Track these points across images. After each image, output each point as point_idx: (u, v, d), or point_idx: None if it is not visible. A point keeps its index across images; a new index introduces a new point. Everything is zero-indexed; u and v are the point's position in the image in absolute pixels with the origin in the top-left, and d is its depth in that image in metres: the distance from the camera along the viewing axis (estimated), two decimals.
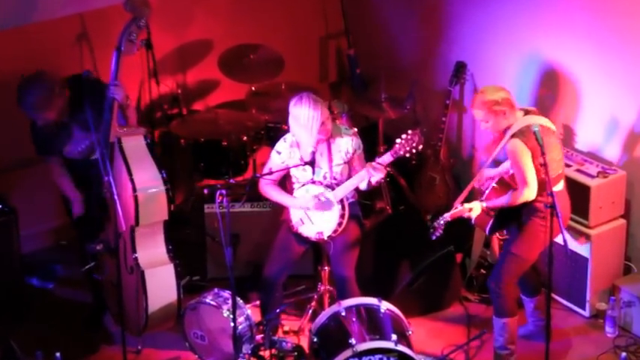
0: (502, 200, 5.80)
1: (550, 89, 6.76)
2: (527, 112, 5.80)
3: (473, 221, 6.01)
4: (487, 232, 6.05)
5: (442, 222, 5.92)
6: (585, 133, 6.67)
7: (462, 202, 5.91)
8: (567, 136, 6.72)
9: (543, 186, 5.68)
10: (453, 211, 5.91)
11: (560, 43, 6.64)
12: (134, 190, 5.87)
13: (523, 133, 5.65)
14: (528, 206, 5.79)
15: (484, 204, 5.86)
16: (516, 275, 5.96)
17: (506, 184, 5.90)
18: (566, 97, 6.69)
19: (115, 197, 5.59)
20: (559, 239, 5.67)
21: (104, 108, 5.89)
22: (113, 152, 5.95)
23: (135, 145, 5.98)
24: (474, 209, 5.85)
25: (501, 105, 5.69)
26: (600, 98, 6.53)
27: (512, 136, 5.67)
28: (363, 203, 6.42)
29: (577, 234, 6.37)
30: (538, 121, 5.74)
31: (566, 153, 6.53)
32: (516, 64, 6.91)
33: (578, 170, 6.42)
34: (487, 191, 5.94)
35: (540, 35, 6.74)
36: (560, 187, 5.84)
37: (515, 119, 5.73)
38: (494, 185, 5.93)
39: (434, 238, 5.97)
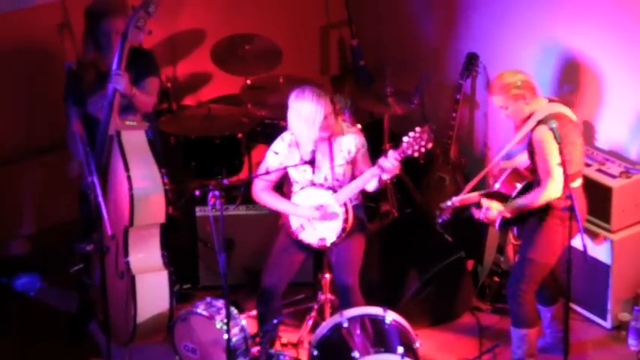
0: (523, 201, 5.78)
1: (569, 83, 6.76)
2: (550, 101, 5.82)
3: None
4: (497, 227, 6.03)
5: (450, 204, 5.90)
6: (607, 130, 6.68)
7: (481, 195, 5.89)
8: (588, 134, 6.71)
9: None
10: (462, 197, 5.88)
11: (580, 32, 6.64)
12: (130, 187, 5.89)
13: (551, 120, 5.62)
14: (544, 207, 5.79)
15: (502, 208, 5.80)
16: (536, 282, 5.96)
17: (521, 176, 5.91)
18: (587, 91, 6.70)
19: (100, 199, 5.59)
20: (577, 242, 5.66)
21: (107, 94, 5.93)
22: (111, 146, 5.97)
23: (135, 139, 6.01)
24: (491, 210, 5.80)
25: (521, 88, 5.71)
26: (624, 93, 6.54)
27: (539, 122, 5.68)
28: (367, 206, 6.41)
29: (594, 235, 6.37)
30: (562, 110, 5.75)
31: (586, 151, 6.53)
32: (533, 55, 6.91)
33: (599, 170, 6.43)
34: (499, 182, 5.94)
35: (559, 24, 6.75)
36: (577, 184, 5.84)
37: (538, 105, 5.76)
38: (507, 176, 5.94)
39: (440, 221, 5.98)
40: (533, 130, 5.71)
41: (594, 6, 6.55)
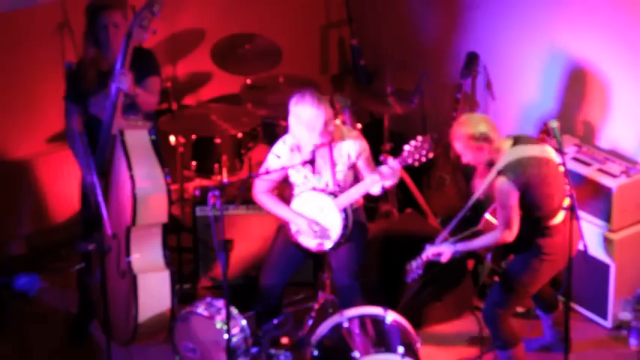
0: (477, 243, 5.76)
1: (570, 82, 6.76)
2: (516, 141, 5.69)
3: None
4: (488, 260, 6.06)
5: (414, 265, 5.89)
6: (607, 129, 6.69)
7: (446, 237, 5.86)
8: (588, 133, 6.74)
9: (537, 224, 5.66)
10: (427, 251, 5.85)
11: (581, 32, 6.66)
12: (133, 187, 5.91)
13: (511, 170, 5.57)
14: (527, 245, 5.74)
15: (455, 247, 5.78)
16: (512, 307, 5.93)
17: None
18: (588, 91, 6.71)
19: (100, 199, 5.60)
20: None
21: (110, 94, 5.95)
22: (114, 145, 5.99)
23: (138, 139, 6.02)
24: (444, 254, 5.79)
25: (478, 140, 5.62)
26: (625, 92, 6.55)
27: (500, 172, 5.60)
28: (367, 206, 6.41)
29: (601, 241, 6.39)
30: (525, 153, 5.64)
31: (587, 151, 6.55)
32: (533, 54, 6.92)
33: (600, 170, 6.42)
34: (483, 218, 5.94)
35: (560, 24, 6.77)
36: (558, 220, 5.73)
37: (499, 152, 5.65)
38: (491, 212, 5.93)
39: (409, 280, 5.96)
40: (494, 180, 5.63)
41: (596, 7, 6.56)
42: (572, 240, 5.54)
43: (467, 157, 5.74)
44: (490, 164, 5.67)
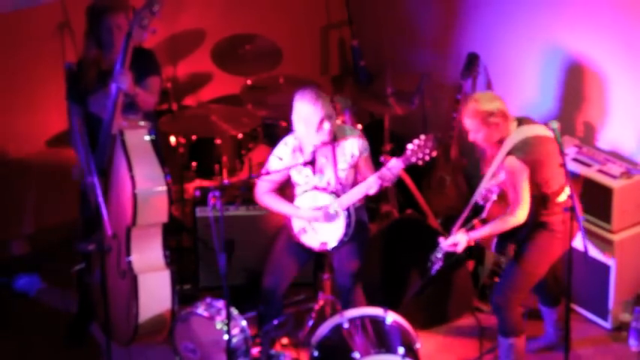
0: (490, 228, 5.77)
1: (570, 83, 6.75)
2: (520, 122, 5.75)
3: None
4: (493, 250, 6.06)
5: (439, 255, 5.91)
6: (608, 130, 6.68)
7: (460, 227, 5.86)
8: (588, 134, 6.74)
9: (546, 201, 5.70)
10: (443, 243, 5.88)
11: (582, 33, 6.65)
12: (134, 187, 5.90)
13: (520, 149, 5.63)
14: (536, 223, 5.78)
15: (468, 236, 5.79)
16: (524, 290, 5.94)
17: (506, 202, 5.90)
18: (588, 92, 6.71)
19: (100, 200, 5.59)
20: (577, 243, 5.66)
21: (110, 94, 5.94)
22: (114, 145, 5.98)
23: (138, 139, 6.02)
24: (460, 243, 5.81)
25: (496, 116, 5.66)
26: (625, 93, 6.54)
27: (509, 153, 5.65)
28: (368, 207, 6.40)
29: (601, 243, 6.37)
30: (530, 132, 5.70)
31: (587, 152, 6.54)
32: (533, 55, 6.92)
33: (600, 171, 6.42)
34: (486, 211, 5.94)
35: (561, 25, 6.76)
36: (563, 197, 5.77)
37: (508, 131, 5.71)
38: (495, 199, 5.93)
39: (434, 272, 5.96)
40: (503, 161, 5.68)
41: (597, 7, 6.56)
42: (572, 234, 5.53)
43: (478, 135, 5.74)
44: (500, 142, 5.70)
